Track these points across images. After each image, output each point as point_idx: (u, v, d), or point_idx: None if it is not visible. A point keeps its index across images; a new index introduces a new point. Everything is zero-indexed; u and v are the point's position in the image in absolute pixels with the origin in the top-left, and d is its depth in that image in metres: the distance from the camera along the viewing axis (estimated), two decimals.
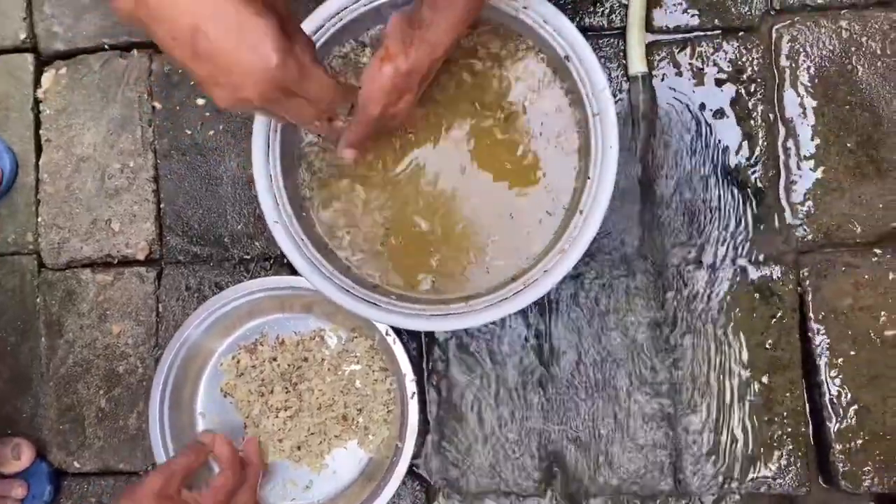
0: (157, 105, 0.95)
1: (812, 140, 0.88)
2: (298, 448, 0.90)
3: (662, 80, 0.90)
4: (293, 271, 0.91)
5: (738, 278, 0.87)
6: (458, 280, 0.83)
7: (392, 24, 0.68)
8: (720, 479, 0.86)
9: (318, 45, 0.81)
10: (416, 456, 0.89)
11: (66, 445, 0.95)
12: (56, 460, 0.95)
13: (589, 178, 0.79)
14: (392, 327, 0.85)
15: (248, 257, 0.94)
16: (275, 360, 0.91)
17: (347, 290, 0.81)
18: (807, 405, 0.87)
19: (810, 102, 0.88)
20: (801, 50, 0.88)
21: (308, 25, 0.80)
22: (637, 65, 0.89)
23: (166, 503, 0.74)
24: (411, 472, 0.90)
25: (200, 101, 0.95)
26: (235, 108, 0.56)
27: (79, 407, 0.95)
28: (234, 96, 0.54)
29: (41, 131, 0.98)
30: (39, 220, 0.97)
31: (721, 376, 0.87)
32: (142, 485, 0.75)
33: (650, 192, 0.89)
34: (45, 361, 0.96)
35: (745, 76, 0.89)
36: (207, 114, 0.94)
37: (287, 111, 0.60)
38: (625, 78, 0.91)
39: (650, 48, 0.90)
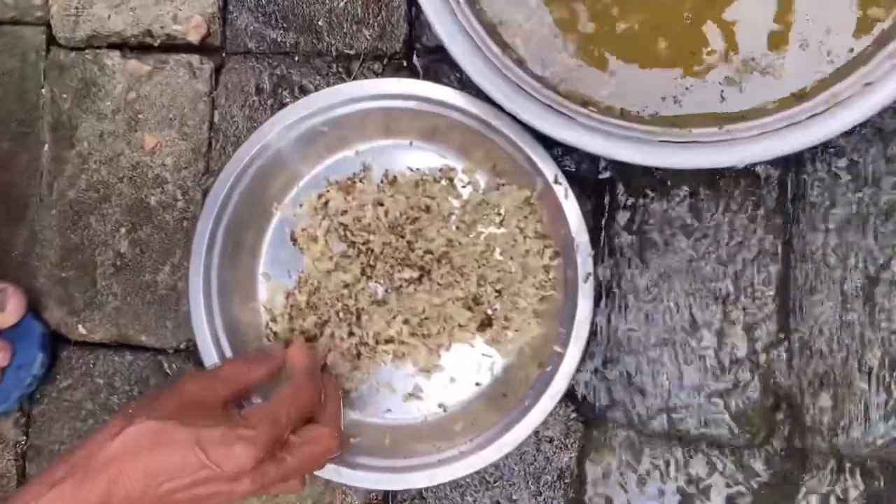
0: None
1: None
2: (403, 338, 0.60)
3: None
4: (414, 74, 0.61)
5: None
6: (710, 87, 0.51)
7: None
8: None
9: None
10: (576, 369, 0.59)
11: (69, 301, 0.67)
12: (54, 320, 0.67)
13: None
14: (566, 173, 0.54)
15: (352, 52, 0.63)
16: (381, 204, 0.61)
17: (523, 89, 0.50)
18: None
19: None
20: None
21: None
22: None
23: (200, 417, 0.44)
24: (567, 393, 0.60)
25: None
26: None
27: (90, 248, 0.66)
28: None
29: None
30: None
31: None
32: (168, 391, 0.47)
33: None
34: (47, 180, 0.67)
35: None
36: None
37: None
38: None
39: None
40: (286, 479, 0.47)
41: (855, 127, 0.47)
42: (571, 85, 0.52)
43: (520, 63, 0.51)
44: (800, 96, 0.49)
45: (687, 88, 0.51)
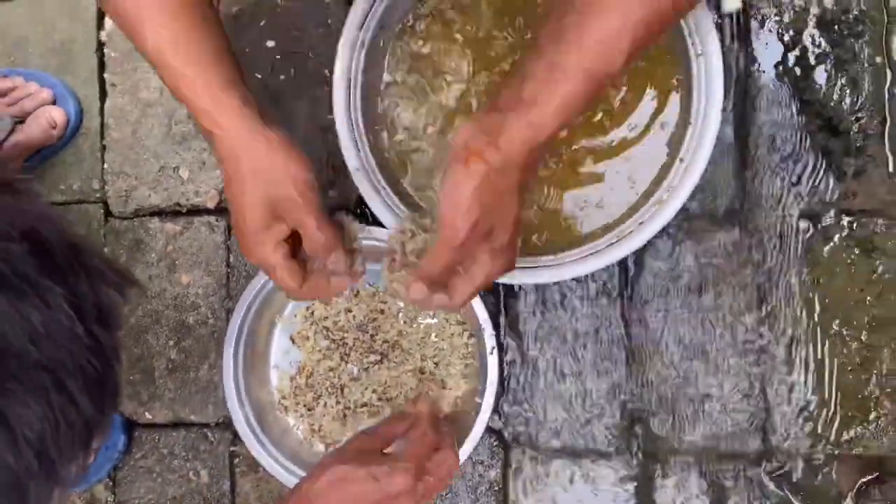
0: None
1: None
2: (374, 402, 0.88)
3: (762, 22, 0.84)
4: (368, 221, 0.89)
5: (836, 232, 0.83)
6: (548, 232, 0.80)
7: (464, 129, 0.57)
8: (812, 439, 0.83)
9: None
10: (493, 411, 0.87)
11: (136, 396, 0.94)
12: (127, 411, 0.94)
13: (690, 123, 0.75)
14: None
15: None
16: (350, 311, 0.88)
17: None
18: None
19: None
20: None
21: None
22: (732, 1, 0.84)
23: (368, 456, 0.69)
24: (488, 428, 0.88)
25: (270, 44, 0.91)
26: None
27: (149, 358, 0.93)
28: None
29: (106, 75, 0.95)
30: (105, 167, 0.94)
31: (816, 333, 0.83)
32: (345, 446, 0.73)
33: (744, 142, 0.85)
34: None
35: (850, 17, 0.83)
36: (278, 57, 0.91)
37: None
38: (717, 16, 0.85)
39: None
40: (429, 496, 0.69)
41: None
42: None
43: None
44: (605, 228, 0.77)
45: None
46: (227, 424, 0.92)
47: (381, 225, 0.79)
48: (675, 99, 0.77)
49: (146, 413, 0.93)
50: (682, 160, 0.74)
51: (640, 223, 0.74)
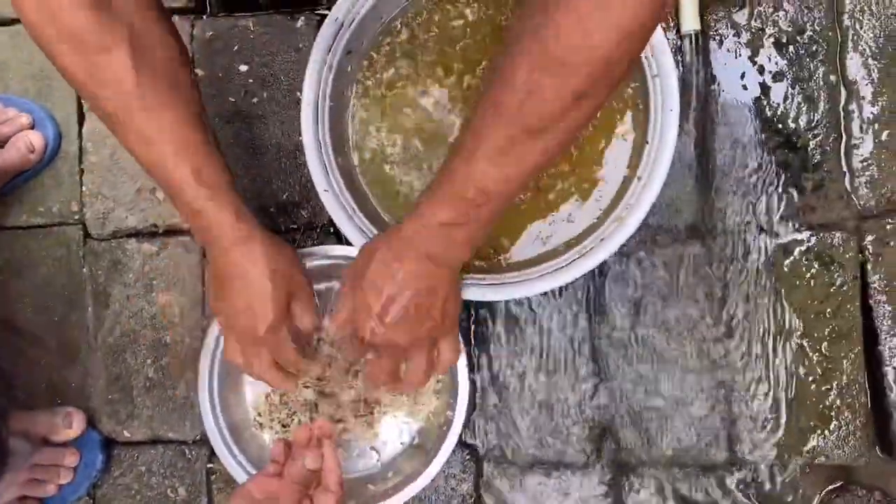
0: (200, 72, 0.94)
1: (876, 102, 0.85)
2: (349, 416, 0.89)
3: (720, 43, 0.87)
4: (339, 240, 0.91)
5: (796, 246, 0.85)
6: (512, 248, 0.81)
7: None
8: (776, 449, 0.85)
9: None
10: (465, 425, 0.89)
11: (115, 415, 0.95)
12: (106, 429, 0.95)
13: (647, 142, 0.77)
14: None
15: (295, 227, 0.93)
16: (323, 328, 0.90)
17: None
18: (866, 375, 0.85)
19: (875, 63, 0.85)
20: (865, 8, 0.85)
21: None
22: (690, 22, 0.87)
23: None
24: (461, 442, 0.89)
25: (243, 68, 0.93)
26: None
27: (127, 376, 0.95)
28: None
29: (83, 100, 0.97)
30: (84, 189, 0.96)
31: (778, 345, 0.85)
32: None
33: (705, 159, 0.87)
34: (92, 331, 0.96)
35: (805, 37, 0.86)
36: (251, 80, 0.93)
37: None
38: (677, 37, 0.88)
39: (706, 9, 0.87)
40: None
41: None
42: None
43: None
44: (568, 245, 0.79)
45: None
46: (204, 441, 0.93)
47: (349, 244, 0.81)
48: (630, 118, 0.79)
49: (124, 431, 0.95)
50: (639, 178, 0.76)
51: (601, 240, 0.76)
